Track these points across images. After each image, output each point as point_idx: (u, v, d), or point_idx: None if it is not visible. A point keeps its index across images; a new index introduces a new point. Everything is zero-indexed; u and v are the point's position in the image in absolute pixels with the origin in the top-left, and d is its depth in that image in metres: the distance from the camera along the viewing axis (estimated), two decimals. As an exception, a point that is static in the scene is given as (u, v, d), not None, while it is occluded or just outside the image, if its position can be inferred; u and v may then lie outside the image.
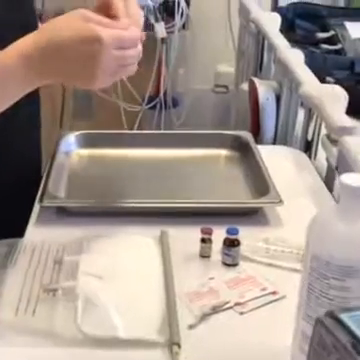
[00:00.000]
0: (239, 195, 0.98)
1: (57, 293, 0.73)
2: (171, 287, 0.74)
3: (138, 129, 2.30)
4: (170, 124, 2.36)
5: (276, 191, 0.93)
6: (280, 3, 2.15)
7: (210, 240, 0.83)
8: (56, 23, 0.74)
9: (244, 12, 1.99)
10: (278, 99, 1.47)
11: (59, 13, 2.28)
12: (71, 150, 1.12)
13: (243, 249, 0.83)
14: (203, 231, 0.82)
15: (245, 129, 1.70)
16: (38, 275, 0.76)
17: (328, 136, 1.08)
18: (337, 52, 1.95)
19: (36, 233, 0.89)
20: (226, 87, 2.43)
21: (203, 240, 0.83)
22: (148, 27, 2.14)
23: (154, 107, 2.27)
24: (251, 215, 0.93)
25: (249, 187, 1.00)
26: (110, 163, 1.10)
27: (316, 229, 0.60)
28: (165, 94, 2.26)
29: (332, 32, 2.03)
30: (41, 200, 0.90)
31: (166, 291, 0.74)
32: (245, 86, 1.73)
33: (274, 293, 0.76)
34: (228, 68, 2.39)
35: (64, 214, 0.92)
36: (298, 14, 2.08)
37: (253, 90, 1.48)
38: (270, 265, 0.82)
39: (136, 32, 0.76)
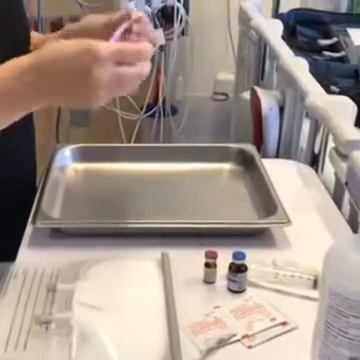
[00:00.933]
0: (244, 214, 0.93)
1: (50, 325, 0.67)
2: (173, 318, 0.69)
3: (136, 138, 2.25)
4: (169, 132, 2.31)
5: (283, 210, 0.88)
6: (281, 9, 2.10)
7: (215, 265, 0.77)
8: (61, 43, 0.70)
9: (244, 18, 1.95)
10: (281, 109, 1.42)
11: (55, 22, 2.20)
12: (66, 165, 1.07)
13: (250, 274, 0.78)
14: (207, 255, 0.77)
15: (246, 139, 1.66)
16: (30, 305, 0.71)
17: (336, 150, 1.03)
18: (340, 59, 1.90)
19: (28, 256, 0.83)
20: (226, 95, 2.38)
21: (207, 264, 0.77)
22: (146, 34, 2.09)
23: (153, 115, 2.22)
24: (257, 235, 0.88)
25: (255, 205, 0.94)
26: (107, 178, 1.05)
27: (333, 262, 0.54)
28: (164, 102, 2.21)
29: (335, 39, 1.98)
30: (34, 221, 0.85)
31: (168, 323, 0.68)
32: (246, 95, 1.68)
33: (284, 324, 0.70)
34: (228, 75, 2.34)
35: (59, 235, 0.87)
36: (299, 21, 2.03)
37: (255, 100, 1.43)
38: (279, 291, 0.77)
39: (143, 47, 0.70)
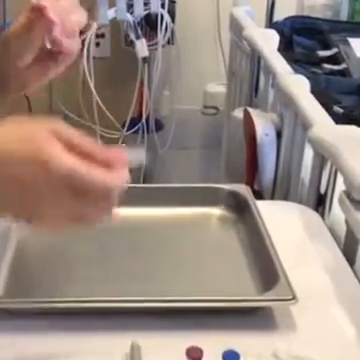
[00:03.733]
0: (237, 281, 0.75)
1: None
2: None
3: (118, 156, 2.06)
4: (154, 149, 2.13)
5: (287, 280, 0.70)
6: (276, 17, 1.92)
7: (199, 364, 0.59)
8: (11, 129, 0.52)
9: (236, 27, 1.77)
10: (278, 134, 1.25)
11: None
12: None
13: (244, 374, 0.60)
14: (189, 354, 0.59)
15: (238, 162, 1.49)
16: None
17: (348, 194, 0.85)
18: (341, 73, 1.73)
19: None
20: (216, 108, 2.20)
21: (189, 364, 0.59)
22: (128, 44, 1.91)
23: (136, 132, 2.04)
24: (253, 313, 0.70)
25: (250, 270, 0.76)
26: (71, 229, 0.86)
27: None
28: (147, 117, 2.03)
29: (335, 49, 1.81)
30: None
31: None
32: (238, 113, 1.50)
33: None
34: (218, 87, 2.17)
35: (3, 315, 0.68)
36: (296, 29, 1.86)
37: (249, 123, 1.25)
38: None
39: (116, 176, 0.53)
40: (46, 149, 0.49)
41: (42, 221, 0.53)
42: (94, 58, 1.90)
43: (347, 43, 1.80)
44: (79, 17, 0.68)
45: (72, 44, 0.68)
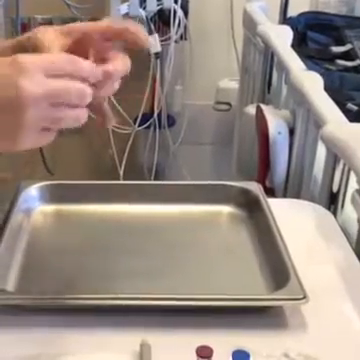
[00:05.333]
0: (247, 279, 0.74)
1: None
2: None
3: (130, 151, 2.06)
4: (166, 145, 2.13)
5: (298, 279, 0.69)
6: (290, 12, 1.91)
7: (209, 363, 0.59)
8: None
9: (249, 23, 1.76)
10: (291, 131, 1.24)
11: (45, 24, 2.01)
12: (32, 207, 0.88)
13: (255, 374, 0.59)
14: (199, 353, 0.58)
15: (250, 159, 1.48)
16: None
17: (360, 193, 0.85)
18: (355, 69, 1.72)
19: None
20: (229, 104, 2.19)
21: (199, 363, 0.59)
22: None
23: (148, 127, 2.04)
24: (264, 312, 0.69)
25: (261, 268, 0.76)
26: (81, 226, 0.86)
27: None
28: (160, 113, 2.02)
29: (349, 46, 1.80)
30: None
31: None
32: (251, 109, 1.49)
33: None
34: (231, 83, 2.16)
35: (14, 311, 0.68)
36: (310, 25, 1.85)
37: (261, 121, 1.25)
38: None
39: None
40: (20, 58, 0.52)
41: (22, 130, 0.53)
42: (107, 53, 1.89)
43: (361, 39, 1.79)
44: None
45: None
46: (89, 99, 0.55)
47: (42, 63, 0.53)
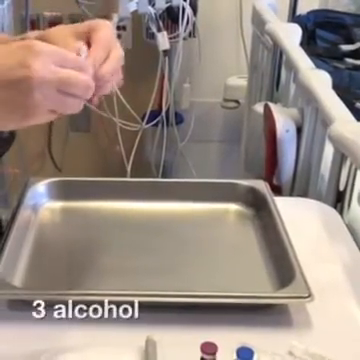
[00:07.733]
0: (253, 277, 0.75)
1: None
2: None
3: (137, 148, 2.07)
4: (174, 143, 2.13)
5: (303, 277, 0.70)
6: (299, 11, 1.90)
7: (213, 360, 0.59)
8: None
9: (258, 20, 1.75)
10: (299, 130, 1.24)
11: (54, 21, 2.02)
12: (40, 203, 0.89)
13: (259, 371, 0.60)
14: (204, 350, 0.59)
15: (257, 156, 1.48)
16: None
17: (368, 193, 0.85)
18: (364, 68, 1.71)
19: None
20: (237, 102, 2.18)
21: None
22: (149, 37, 1.90)
23: (156, 125, 2.04)
24: (269, 310, 0.70)
25: (266, 266, 0.76)
26: (88, 222, 0.87)
27: None
28: (168, 110, 2.02)
29: (358, 44, 1.79)
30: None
31: None
32: (259, 107, 1.49)
33: None
34: (239, 81, 2.15)
35: (19, 306, 0.69)
36: (319, 23, 1.83)
37: (269, 119, 1.24)
38: None
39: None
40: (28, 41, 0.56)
41: (29, 108, 0.56)
42: (115, 50, 1.89)
43: (371, 38, 1.78)
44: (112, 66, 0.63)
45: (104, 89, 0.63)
46: (91, 93, 0.58)
47: (56, 52, 0.56)
